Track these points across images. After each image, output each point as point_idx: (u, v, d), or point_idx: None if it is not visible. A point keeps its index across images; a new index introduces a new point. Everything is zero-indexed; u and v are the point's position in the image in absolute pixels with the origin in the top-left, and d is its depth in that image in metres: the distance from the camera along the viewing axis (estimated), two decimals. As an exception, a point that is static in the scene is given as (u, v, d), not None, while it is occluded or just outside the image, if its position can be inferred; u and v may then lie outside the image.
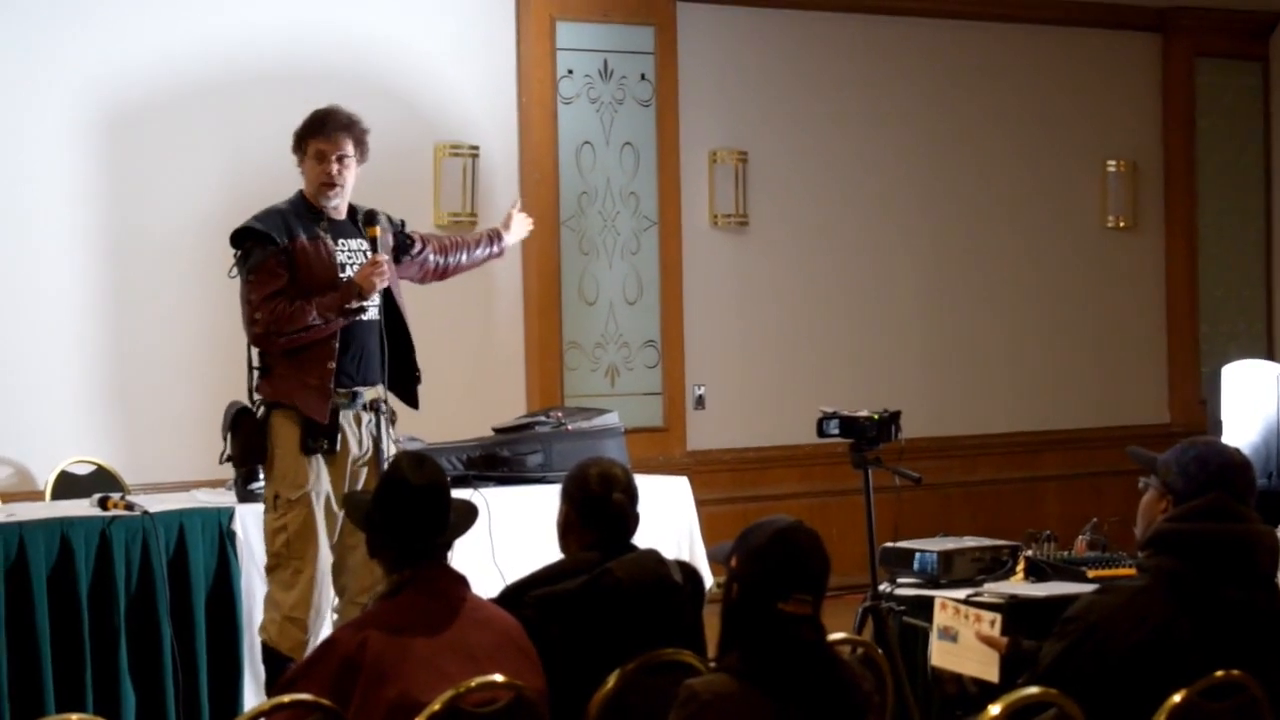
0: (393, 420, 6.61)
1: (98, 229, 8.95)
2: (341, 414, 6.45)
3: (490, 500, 6.76)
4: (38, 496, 8.37)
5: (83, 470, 8.60)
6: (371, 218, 6.58)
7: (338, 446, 6.45)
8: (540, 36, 9.99)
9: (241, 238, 6.46)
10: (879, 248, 11.23)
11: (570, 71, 10.11)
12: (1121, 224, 12.08)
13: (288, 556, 6.42)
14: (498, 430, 8.04)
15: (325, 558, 6.46)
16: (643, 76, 10.31)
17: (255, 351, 6.52)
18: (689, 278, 10.48)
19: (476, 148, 9.84)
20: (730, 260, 10.75)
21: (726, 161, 10.70)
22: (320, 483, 6.43)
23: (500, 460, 7.75)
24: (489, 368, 9.86)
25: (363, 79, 9.41)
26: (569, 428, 7.96)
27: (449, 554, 4.75)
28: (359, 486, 6.44)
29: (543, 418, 8.11)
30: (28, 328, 8.78)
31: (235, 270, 6.48)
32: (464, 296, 9.61)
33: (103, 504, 6.97)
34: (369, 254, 6.55)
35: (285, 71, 9.31)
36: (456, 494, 4.86)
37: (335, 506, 6.44)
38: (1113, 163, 12.05)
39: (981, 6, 11.55)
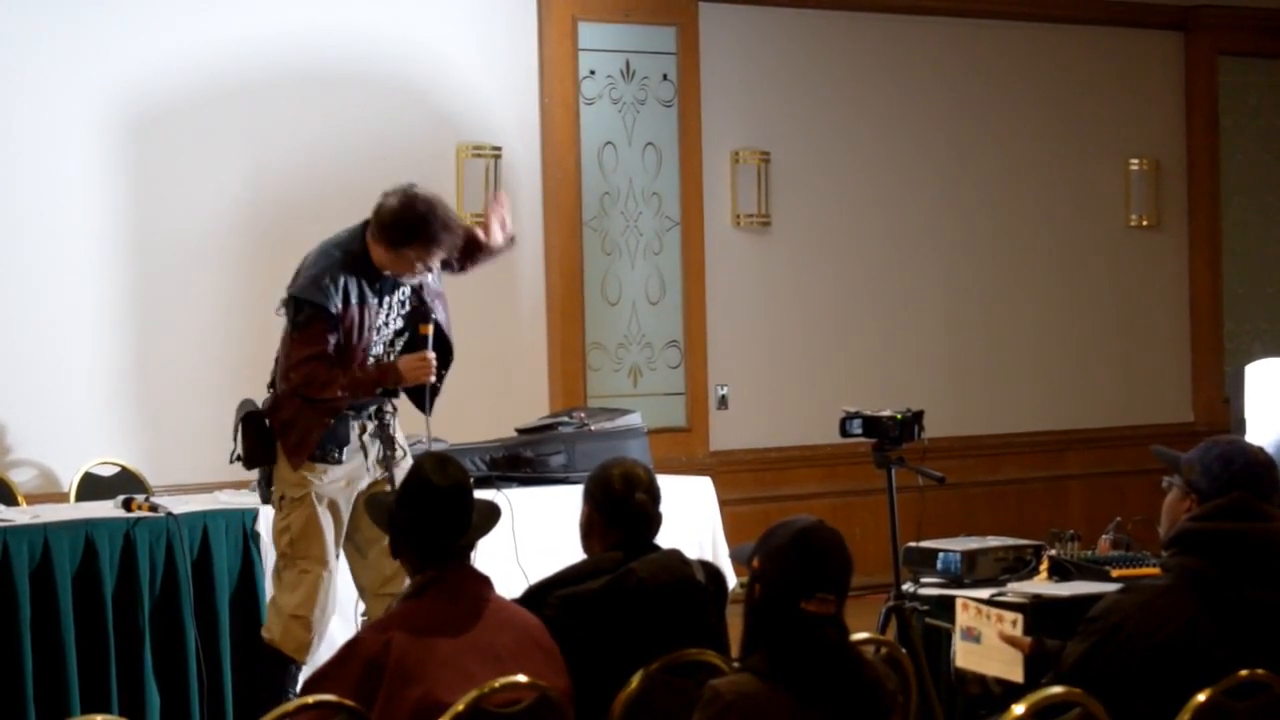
0: (392, 421, 6.64)
1: (122, 231, 8.96)
2: (350, 421, 6.48)
3: (513, 501, 6.76)
4: (62, 498, 8.39)
5: (107, 472, 8.62)
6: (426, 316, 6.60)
7: (344, 457, 6.48)
8: (562, 37, 9.99)
9: (299, 299, 6.38)
10: (901, 248, 11.23)
11: (592, 72, 10.11)
12: (1144, 223, 12.07)
13: (292, 557, 6.44)
14: (521, 431, 8.05)
15: (333, 560, 6.48)
16: (665, 77, 10.32)
17: (275, 361, 6.54)
18: (711, 278, 10.48)
19: (499, 149, 9.85)
20: (753, 260, 10.75)
21: (749, 161, 10.70)
22: (324, 484, 6.45)
23: (523, 461, 7.76)
24: (512, 368, 9.87)
25: (385, 80, 9.43)
26: (592, 428, 7.97)
27: (472, 555, 4.76)
28: (363, 488, 6.49)
29: (565, 418, 8.12)
30: (52, 329, 8.80)
31: (283, 311, 6.45)
32: (486, 298, 9.61)
33: (127, 505, 6.98)
34: (406, 305, 6.53)
35: (308, 74, 9.33)
36: (479, 495, 4.87)
37: (341, 509, 6.49)
38: (1135, 161, 12.03)
39: (1003, 5, 11.53)
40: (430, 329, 6.55)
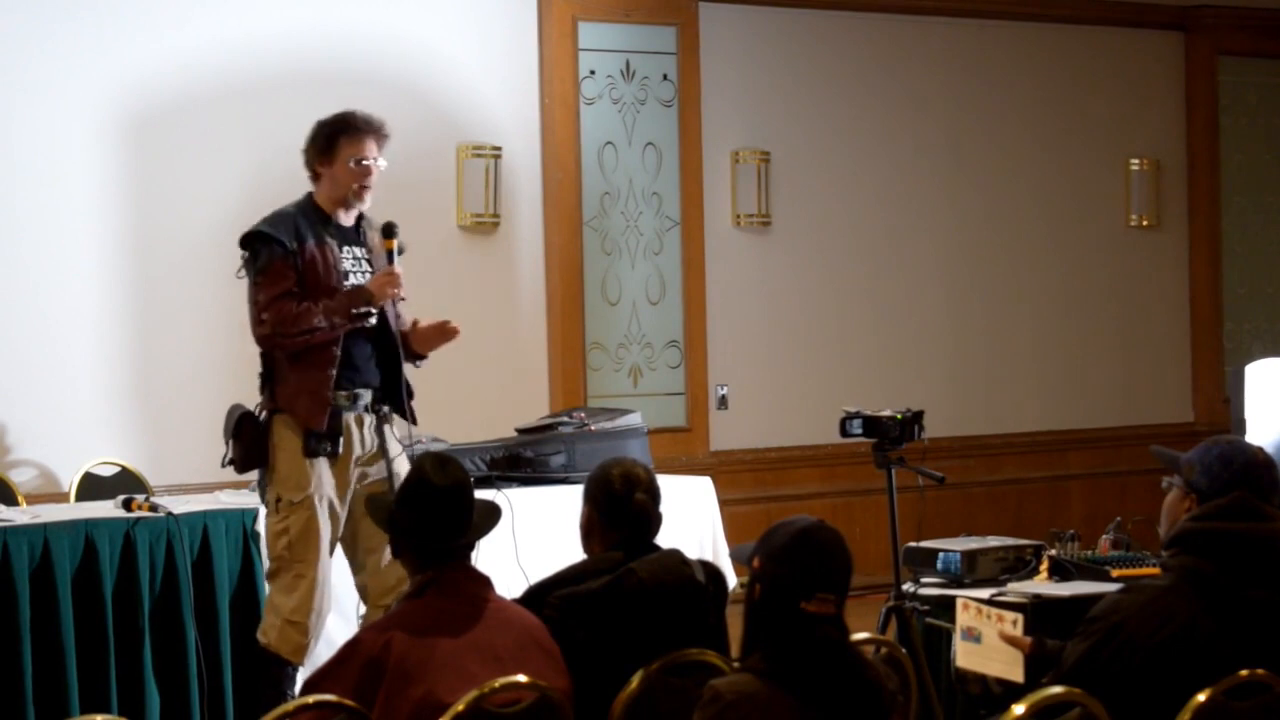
0: (388, 419, 6.61)
1: (122, 231, 8.97)
2: (344, 416, 6.45)
3: (513, 501, 6.75)
4: (62, 498, 8.39)
5: (107, 472, 8.62)
6: (390, 230, 6.56)
7: (340, 449, 6.45)
8: (562, 37, 10.00)
9: (250, 241, 6.46)
10: (902, 248, 11.22)
11: (592, 72, 10.11)
12: (1145, 222, 12.06)
13: (290, 560, 6.38)
14: (521, 431, 8.04)
15: (326, 562, 6.44)
16: (665, 77, 10.32)
17: (261, 356, 6.52)
18: (711, 278, 10.48)
19: (499, 148, 9.85)
20: (753, 260, 10.74)
21: (749, 161, 10.70)
22: (323, 485, 6.41)
23: (523, 461, 7.75)
24: (512, 368, 9.86)
25: (385, 80, 9.42)
26: (592, 428, 7.96)
27: (472, 555, 4.76)
28: (359, 486, 6.47)
29: (566, 418, 8.11)
30: (52, 329, 8.80)
31: (243, 271, 6.49)
32: (486, 297, 9.62)
33: (127, 505, 6.97)
34: (370, 261, 6.54)
35: (308, 74, 9.33)
36: (480, 495, 4.87)
37: (338, 509, 6.45)
38: (1136, 161, 12.03)
39: (1004, 5, 11.53)
40: (394, 243, 6.54)
